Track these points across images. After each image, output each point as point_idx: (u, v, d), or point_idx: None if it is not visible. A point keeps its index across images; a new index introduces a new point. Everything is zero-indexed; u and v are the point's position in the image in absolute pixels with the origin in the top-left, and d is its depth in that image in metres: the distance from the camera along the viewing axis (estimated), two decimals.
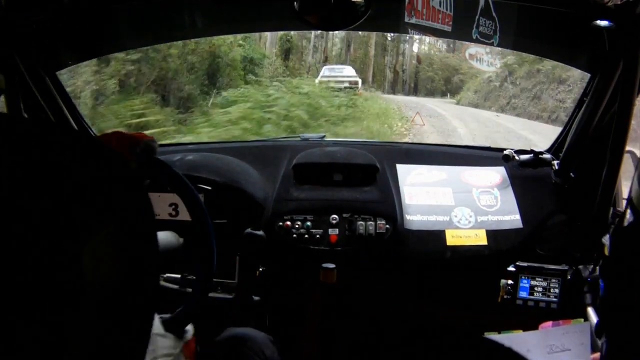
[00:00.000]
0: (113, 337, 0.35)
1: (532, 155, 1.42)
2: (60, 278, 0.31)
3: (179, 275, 1.28)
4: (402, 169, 1.45)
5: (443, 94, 15.52)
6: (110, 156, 0.38)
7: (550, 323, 1.13)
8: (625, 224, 0.44)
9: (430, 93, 16.05)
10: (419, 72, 17.20)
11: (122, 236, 0.36)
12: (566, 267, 1.26)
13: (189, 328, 0.79)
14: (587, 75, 1.32)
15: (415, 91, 16.67)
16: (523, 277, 1.27)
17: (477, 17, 1.13)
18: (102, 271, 0.33)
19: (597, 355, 0.97)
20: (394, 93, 15.63)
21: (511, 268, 1.28)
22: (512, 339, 1.07)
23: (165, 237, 1.02)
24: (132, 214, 0.37)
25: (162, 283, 1.22)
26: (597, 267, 1.16)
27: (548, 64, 9.44)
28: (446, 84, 16.17)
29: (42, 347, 0.30)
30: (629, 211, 0.44)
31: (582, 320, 1.05)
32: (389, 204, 1.35)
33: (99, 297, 0.33)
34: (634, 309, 0.41)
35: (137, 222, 0.38)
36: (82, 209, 0.33)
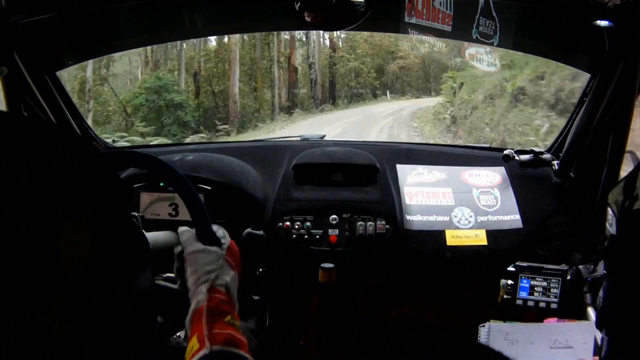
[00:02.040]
0: (90, 322, 0.35)
1: (532, 155, 1.42)
2: (36, 264, 0.31)
3: None
4: (402, 169, 1.45)
5: (375, 93, 9.91)
6: (86, 146, 0.39)
7: (555, 319, 1.13)
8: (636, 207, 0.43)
9: (358, 97, 10.09)
10: (336, 64, 10.32)
11: (97, 223, 0.36)
12: (566, 267, 1.26)
13: (222, 233, 0.74)
14: None
15: (332, 99, 10.07)
16: (523, 277, 1.27)
17: (477, 16, 1.13)
18: (77, 257, 0.34)
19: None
20: (291, 110, 9.29)
21: (511, 268, 1.28)
22: (517, 329, 1.07)
23: (165, 237, 1.02)
24: (106, 201, 0.38)
25: (162, 282, 1.22)
26: (599, 260, 1.16)
27: None
28: (379, 77, 10.26)
29: (20, 334, 0.31)
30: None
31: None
32: (389, 204, 1.35)
33: (74, 282, 0.33)
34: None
35: (111, 209, 0.38)
36: (56, 196, 0.33)
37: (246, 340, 0.63)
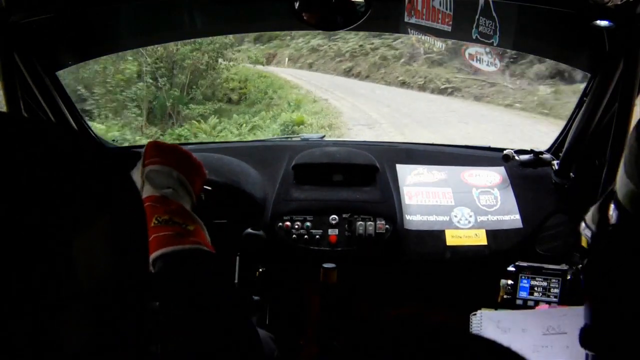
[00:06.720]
0: (107, 334, 0.34)
1: (532, 155, 1.42)
2: (53, 274, 0.30)
3: None
4: (402, 169, 1.45)
5: None
6: (99, 153, 0.38)
7: (547, 305, 1.12)
8: (611, 221, 0.41)
9: None
10: None
11: (113, 231, 0.35)
12: (566, 267, 1.26)
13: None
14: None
15: None
16: (523, 277, 1.27)
17: (477, 16, 1.13)
18: (94, 267, 0.33)
19: None
20: None
21: (511, 268, 1.28)
22: (509, 317, 1.07)
23: None
24: (122, 209, 0.37)
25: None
26: (580, 275, 1.16)
27: None
28: None
29: (36, 347, 0.30)
30: (612, 207, 0.41)
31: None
32: (388, 204, 1.35)
33: (91, 293, 0.32)
34: (620, 311, 0.38)
35: (127, 217, 0.37)
36: (72, 203, 0.32)
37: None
